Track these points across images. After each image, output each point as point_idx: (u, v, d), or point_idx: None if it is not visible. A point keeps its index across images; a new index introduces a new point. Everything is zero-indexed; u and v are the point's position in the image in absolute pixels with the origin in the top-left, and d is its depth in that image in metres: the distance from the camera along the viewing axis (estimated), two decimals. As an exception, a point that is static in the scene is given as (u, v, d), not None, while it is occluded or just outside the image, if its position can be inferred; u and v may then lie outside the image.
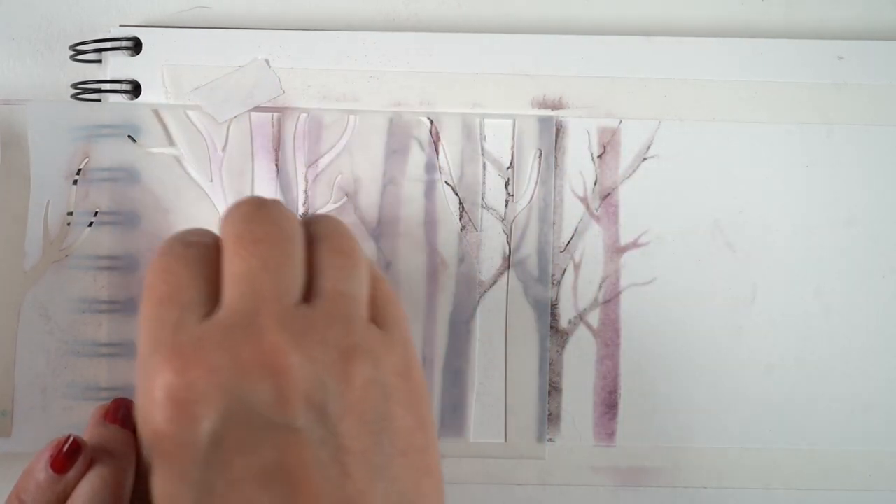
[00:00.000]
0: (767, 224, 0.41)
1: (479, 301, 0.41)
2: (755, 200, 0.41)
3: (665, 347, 0.41)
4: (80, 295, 0.40)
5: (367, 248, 0.41)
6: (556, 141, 0.41)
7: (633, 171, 0.41)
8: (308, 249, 0.28)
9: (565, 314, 0.41)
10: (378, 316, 0.28)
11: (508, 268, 0.41)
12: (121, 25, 0.41)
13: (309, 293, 0.27)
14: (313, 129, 0.41)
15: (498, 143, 0.41)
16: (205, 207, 0.41)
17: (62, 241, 0.40)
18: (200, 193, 0.41)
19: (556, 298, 0.41)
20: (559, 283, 0.41)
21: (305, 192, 0.41)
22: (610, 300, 0.41)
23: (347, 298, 0.27)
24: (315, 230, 0.28)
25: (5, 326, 0.40)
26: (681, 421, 0.40)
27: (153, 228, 0.40)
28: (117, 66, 0.41)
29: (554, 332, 0.41)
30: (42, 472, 0.35)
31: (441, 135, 0.41)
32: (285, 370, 0.25)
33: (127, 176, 0.40)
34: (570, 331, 0.41)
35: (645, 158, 0.41)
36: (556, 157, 0.41)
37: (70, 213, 0.40)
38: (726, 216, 0.41)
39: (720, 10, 0.42)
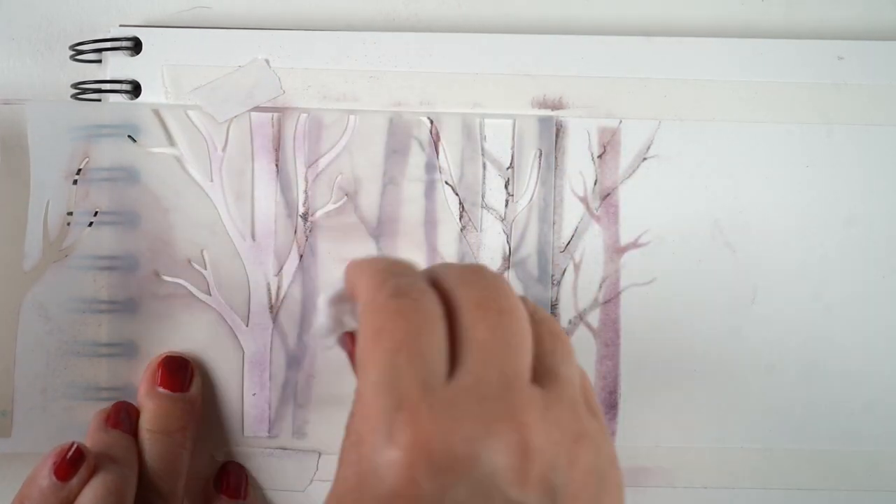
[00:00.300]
0: (767, 224, 0.41)
1: (479, 301, 0.41)
2: (755, 200, 0.41)
3: (665, 347, 0.41)
4: (79, 295, 0.40)
5: (367, 248, 0.41)
6: (556, 141, 0.41)
7: (633, 171, 0.41)
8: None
9: (565, 314, 0.41)
10: (586, 403, 0.28)
11: (508, 268, 0.41)
12: (121, 25, 0.41)
13: (535, 375, 0.26)
14: (313, 129, 0.41)
15: (498, 143, 0.41)
16: (205, 207, 0.40)
17: (62, 241, 0.40)
18: (200, 193, 0.41)
19: (556, 298, 0.41)
20: (559, 283, 0.41)
21: (305, 191, 0.41)
22: (610, 300, 0.41)
23: (570, 383, 0.27)
24: (530, 310, 0.28)
25: (5, 326, 0.40)
26: (681, 421, 0.40)
27: (153, 228, 0.40)
28: (117, 66, 0.41)
29: (554, 332, 0.41)
30: (45, 479, 0.35)
31: (441, 135, 0.41)
32: (531, 448, 0.24)
33: (127, 176, 0.40)
34: (570, 331, 0.41)
35: (645, 158, 0.41)
36: (556, 157, 0.41)
37: (70, 213, 0.40)
38: (726, 216, 0.41)
39: (720, 10, 0.42)
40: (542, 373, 0.27)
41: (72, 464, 0.35)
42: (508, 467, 0.24)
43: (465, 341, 0.26)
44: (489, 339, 0.26)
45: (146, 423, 0.38)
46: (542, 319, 0.28)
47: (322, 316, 0.29)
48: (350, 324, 0.29)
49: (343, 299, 0.29)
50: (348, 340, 0.29)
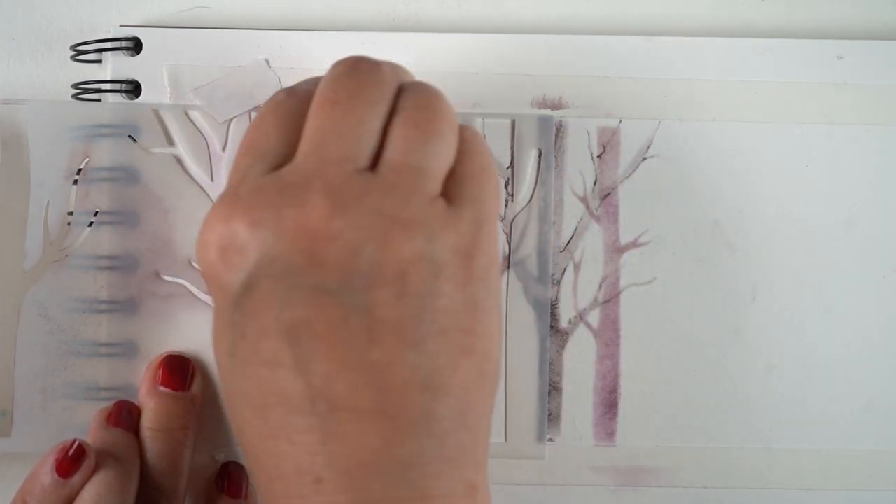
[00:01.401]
0: (767, 224, 0.41)
1: (479, 301, 0.41)
2: (755, 200, 0.41)
3: (665, 347, 0.41)
4: (80, 295, 0.40)
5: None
6: (555, 141, 0.41)
7: (633, 170, 0.41)
8: (390, 119, 0.27)
9: (565, 314, 0.41)
10: (454, 192, 0.27)
11: (508, 268, 0.41)
12: (121, 25, 0.41)
13: (375, 162, 0.27)
14: (313, 129, 0.41)
15: (497, 143, 0.41)
16: (205, 207, 0.40)
17: (62, 240, 0.40)
18: (201, 193, 0.41)
19: (556, 298, 0.41)
20: (559, 283, 0.41)
21: (305, 192, 0.41)
22: (610, 300, 0.41)
23: (413, 171, 0.26)
24: (401, 100, 0.28)
25: (5, 326, 0.40)
26: (681, 421, 0.40)
27: (153, 228, 0.40)
28: (117, 66, 0.41)
29: (554, 332, 0.41)
30: (47, 476, 0.35)
31: (441, 135, 0.41)
32: (323, 234, 0.25)
33: (127, 176, 0.40)
34: (570, 331, 0.41)
35: (645, 158, 0.41)
36: (555, 157, 0.41)
37: (70, 213, 0.40)
38: (726, 216, 0.41)
39: (720, 10, 0.42)
40: (384, 161, 0.27)
41: (73, 461, 0.35)
42: (298, 250, 0.25)
43: (303, 133, 0.27)
44: (317, 129, 0.27)
45: (147, 421, 0.38)
46: (409, 107, 0.28)
47: None
48: None
49: None
50: None
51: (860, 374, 0.41)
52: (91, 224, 0.40)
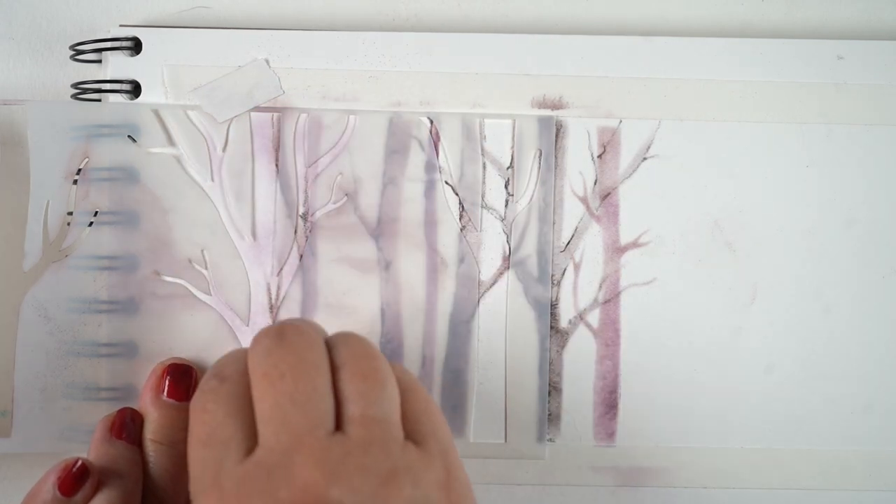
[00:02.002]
0: (767, 224, 0.41)
1: (479, 301, 0.41)
2: (755, 200, 0.41)
3: (665, 347, 0.41)
4: (79, 295, 0.40)
5: (368, 248, 0.41)
6: (556, 141, 0.41)
7: (633, 171, 0.41)
8: (334, 375, 0.28)
9: (565, 314, 0.41)
10: (413, 431, 0.28)
11: (508, 268, 0.41)
12: (121, 25, 0.41)
13: (339, 421, 0.27)
14: (313, 129, 0.41)
15: (498, 143, 0.41)
16: (205, 207, 0.40)
17: (62, 240, 0.40)
18: (200, 193, 0.41)
19: (556, 298, 0.41)
20: (559, 283, 0.41)
21: (305, 191, 0.41)
22: (610, 300, 0.41)
23: (378, 422, 0.27)
24: (336, 355, 0.28)
25: (5, 326, 0.40)
26: (681, 421, 0.40)
27: (153, 228, 0.40)
28: (117, 66, 0.41)
29: (554, 332, 0.41)
30: (49, 493, 0.35)
31: (441, 135, 0.41)
32: (326, 502, 0.25)
33: (127, 176, 0.40)
34: (570, 331, 0.41)
35: (645, 158, 0.41)
36: (556, 157, 0.41)
37: (70, 213, 0.40)
38: (726, 216, 0.41)
39: (720, 10, 0.42)
40: (346, 419, 0.27)
41: (76, 479, 0.35)
42: None
43: (257, 417, 0.27)
44: (273, 406, 0.26)
45: (151, 433, 0.37)
46: (348, 361, 0.28)
47: None
48: None
49: None
50: None
51: (860, 374, 0.41)
52: (91, 224, 0.40)
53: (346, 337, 0.29)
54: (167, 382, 0.39)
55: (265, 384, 0.27)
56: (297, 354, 0.27)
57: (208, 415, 0.28)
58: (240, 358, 0.29)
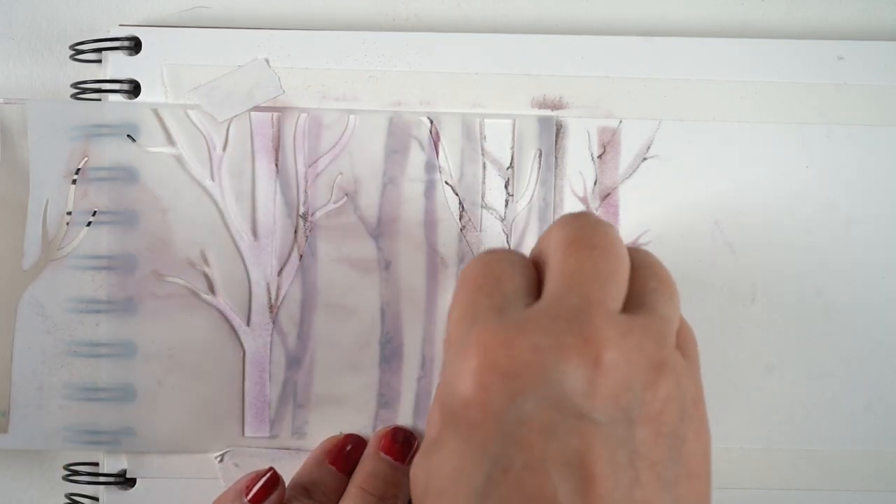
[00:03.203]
0: (767, 224, 0.41)
1: (478, 301, 0.41)
2: (755, 200, 0.41)
3: (665, 348, 0.40)
4: (77, 294, 0.40)
5: (368, 248, 0.41)
6: (556, 141, 0.41)
7: (633, 171, 0.41)
8: (631, 272, 0.28)
9: (565, 314, 0.41)
10: (680, 347, 0.28)
11: (508, 268, 0.41)
12: (120, 25, 0.41)
13: (626, 308, 0.27)
14: (313, 129, 0.41)
15: (498, 143, 0.41)
16: (205, 207, 0.40)
17: (61, 240, 0.40)
18: (200, 193, 0.40)
19: (556, 298, 0.41)
20: (559, 283, 0.41)
21: (305, 191, 0.41)
22: (610, 300, 0.41)
23: (664, 320, 0.27)
24: (638, 258, 0.29)
25: (3, 325, 0.40)
26: (681, 421, 0.40)
27: (152, 228, 0.40)
28: (117, 65, 0.41)
29: (554, 332, 0.41)
30: (237, 500, 0.35)
31: (441, 135, 0.41)
32: (603, 363, 0.25)
33: (126, 175, 0.40)
34: (569, 331, 0.41)
35: (645, 158, 0.41)
36: (556, 157, 0.41)
37: (69, 213, 0.40)
38: (726, 216, 0.41)
39: (720, 10, 0.42)
40: (636, 305, 0.27)
41: (265, 487, 0.35)
42: (578, 377, 0.25)
43: (553, 274, 0.27)
44: (576, 269, 0.27)
45: (360, 480, 0.38)
46: (651, 264, 0.29)
47: None
48: None
49: None
50: None
51: (860, 374, 0.40)
52: (90, 224, 0.40)
53: (647, 252, 0.30)
54: (385, 439, 0.39)
55: (574, 248, 0.27)
56: (611, 238, 0.28)
57: (492, 268, 0.28)
58: (507, 248, 0.31)
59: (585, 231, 0.28)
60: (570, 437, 0.25)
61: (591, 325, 0.25)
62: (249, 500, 0.35)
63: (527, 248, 0.41)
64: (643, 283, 0.28)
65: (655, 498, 0.25)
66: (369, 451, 0.39)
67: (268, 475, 0.36)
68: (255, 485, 0.36)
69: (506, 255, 0.29)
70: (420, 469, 0.27)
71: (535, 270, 0.29)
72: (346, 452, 0.39)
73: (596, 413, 0.25)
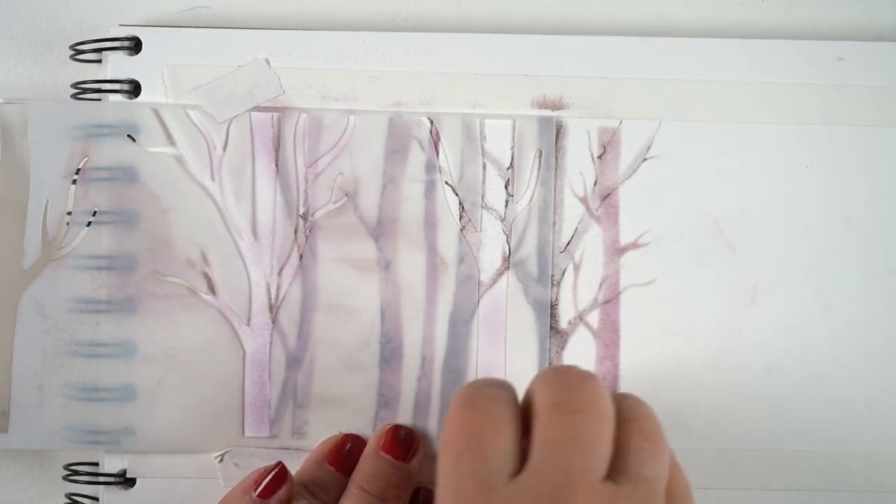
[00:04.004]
0: (767, 224, 0.41)
1: (479, 301, 0.41)
2: (755, 200, 0.41)
3: (665, 348, 0.40)
4: (77, 294, 0.40)
5: (368, 248, 0.41)
6: (556, 141, 0.41)
7: (633, 171, 0.41)
8: (616, 428, 0.28)
9: (565, 314, 0.41)
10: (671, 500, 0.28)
11: (508, 268, 0.41)
12: (121, 25, 0.41)
13: (611, 471, 0.27)
14: (313, 129, 0.41)
15: (498, 144, 0.41)
16: (205, 207, 0.40)
17: (61, 240, 0.40)
18: (200, 193, 0.40)
19: (556, 299, 0.41)
20: (559, 283, 0.41)
21: (305, 191, 0.41)
22: (610, 300, 0.41)
23: (650, 483, 0.27)
24: (625, 410, 0.28)
25: (3, 324, 0.40)
26: (681, 421, 0.40)
27: (152, 228, 0.40)
28: (117, 65, 0.41)
29: (554, 333, 0.41)
30: (246, 495, 0.36)
31: (441, 135, 0.41)
32: None
33: (126, 175, 0.40)
34: (569, 331, 0.41)
35: (645, 158, 0.41)
36: (556, 158, 0.41)
37: (69, 213, 0.40)
38: (726, 216, 0.41)
39: (720, 10, 0.42)
40: (621, 471, 0.27)
41: (274, 481, 0.36)
42: None
43: (535, 442, 0.27)
44: (558, 438, 0.27)
45: (361, 481, 0.38)
46: (637, 418, 0.28)
47: None
48: None
49: None
50: None
51: (860, 374, 0.40)
52: (90, 223, 0.40)
53: (633, 397, 0.29)
54: (385, 438, 0.39)
55: (555, 414, 0.27)
56: (593, 398, 0.27)
57: (473, 428, 0.27)
58: (503, 383, 0.29)
59: (567, 392, 0.27)
60: None
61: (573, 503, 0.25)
62: (258, 495, 0.35)
63: (527, 246, 0.41)
64: (629, 442, 0.28)
65: None
66: (369, 449, 0.39)
67: (276, 470, 0.36)
68: (263, 480, 0.36)
69: (490, 407, 0.28)
70: None
71: (523, 417, 0.28)
72: (344, 453, 0.39)
73: None
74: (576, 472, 0.26)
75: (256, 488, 0.35)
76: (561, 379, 0.28)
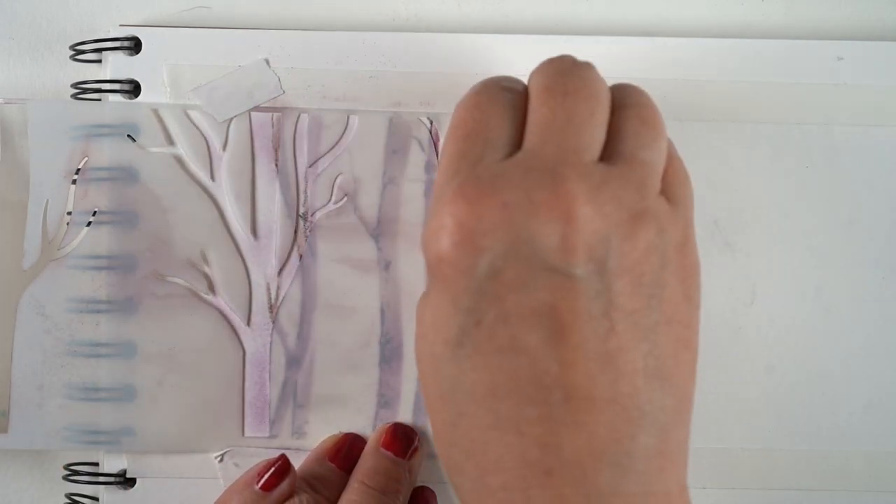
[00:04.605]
0: (767, 224, 0.41)
1: (478, 301, 0.41)
2: (755, 200, 0.41)
3: (665, 348, 0.40)
4: (77, 294, 0.40)
5: (368, 248, 0.41)
6: (555, 141, 0.41)
7: (633, 171, 0.41)
8: (612, 114, 0.28)
9: (565, 314, 0.41)
10: (667, 191, 0.28)
11: (508, 268, 0.41)
12: (121, 25, 0.41)
13: (605, 155, 0.27)
14: (313, 129, 0.41)
15: (498, 143, 0.41)
16: (205, 207, 0.40)
17: (61, 240, 0.40)
18: (200, 193, 0.40)
19: (556, 298, 0.41)
20: (559, 283, 0.41)
21: (305, 192, 0.41)
22: (610, 300, 0.41)
23: (645, 165, 0.27)
24: (622, 97, 0.28)
25: (3, 325, 0.40)
26: (681, 421, 0.40)
27: (152, 228, 0.40)
28: (117, 65, 0.41)
29: (554, 333, 0.41)
30: (249, 487, 0.36)
31: (441, 135, 0.41)
32: (575, 218, 0.25)
33: (126, 175, 0.40)
34: (569, 331, 0.41)
35: (645, 158, 0.41)
36: (555, 157, 0.41)
37: (69, 213, 0.40)
38: (726, 216, 0.41)
39: (720, 10, 0.42)
40: (615, 153, 0.27)
41: (276, 474, 0.36)
42: (549, 233, 0.25)
43: (528, 124, 0.27)
44: (549, 118, 0.27)
45: (362, 476, 0.38)
46: (634, 104, 0.28)
47: None
48: None
49: None
50: None
51: (860, 374, 0.40)
52: (90, 224, 0.40)
53: (632, 86, 0.29)
54: (385, 435, 0.39)
55: (546, 96, 0.27)
56: (585, 81, 0.27)
57: (482, 113, 0.28)
58: (517, 80, 0.29)
59: (560, 77, 0.27)
60: (542, 290, 0.25)
61: (564, 179, 0.25)
62: (261, 488, 0.35)
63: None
64: (624, 126, 0.27)
65: (631, 346, 0.26)
66: (370, 447, 0.39)
67: (279, 463, 0.36)
68: (266, 472, 0.36)
69: (499, 95, 0.28)
70: (418, 308, 0.28)
71: (525, 112, 0.28)
72: (345, 451, 0.39)
73: (569, 267, 0.25)
74: (567, 151, 0.26)
75: (259, 481, 0.35)
76: (554, 65, 0.28)
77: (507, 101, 0.28)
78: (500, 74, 0.30)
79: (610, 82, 0.40)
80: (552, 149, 0.26)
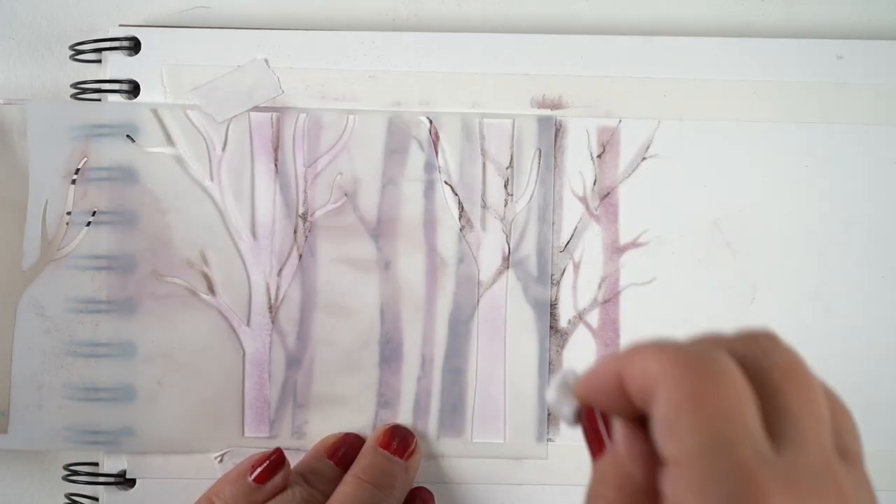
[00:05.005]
0: (767, 224, 0.41)
1: (478, 301, 0.41)
2: (755, 200, 0.41)
3: (665, 347, 0.40)
4: (77, 294, 0.40)
5: (367, 248, 0.41)
6: (555, 140, 0.41)
7: (633, 170, 0.41)
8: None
9: (565, 314, 0.41)
10: (840, 447, 0.26)
11: (508, 267, 0.41)
12: (120, 25, 0.41)
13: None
14: (312, 129, 0.41)
15: (497, 143, 0.41)
16: (204, 207, 0.40)
17: (60, 240, 0.40)
18: (200, 193, 0.40)
19: (556, 298, 0.41)
20: (559, 282, 0.41)
21: (305, 191, 0.41)
22: (609, 300, 0.41)
23: (858, 456, 0.27)
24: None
25: (2, 325, 0.40)
26: (681, 421, 0.40)
27: (152, 228, 0.40)
28: (117, 65, 0.41)
29: (554, 332, 0.41)
30: (241, 478, 0.36)
31: (440, 135, 0.41)
32: None
33: (126, 175, 0.40)
34: (569, 331, 0.41)
35: (644, 158, 0.41)
36: (555, 157, 0.41)
37: (69, 213, 0.40)
38: (726, 216, 0.41)
39: (720, 10, 0.42)
40: (837, 447, 0.26)
41: (271, 466, 0.36)
42: None
43: (779, 412, 0.25)
44: (804, 412, 0.25)
45: (358, 471, 0.38)
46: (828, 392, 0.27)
47: (552, 393, 0.28)
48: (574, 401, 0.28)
49: (569, 387, 0.28)
50: (586, 417, 0.28)
51: (860, 374, 0.40)
52: (89, 224, 0.40)
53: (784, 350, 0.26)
54: (384, 435, 0.39)
55: (790, 384, 0.25)
56: (808, 369, 0.26)
57: (730, 390, 0.24)
58: (717, 350, 0.25)
59: (794, 362, 0.25)
60: None
61: (840, 485, 0.25)
62: (254, 480, 0.35)
63: (527, 245, 0.41)
64: (839, 421, 0.26)
65: None
66: (367, 446, 0.39)
67: (274, 456, 0.36)
68: (260, 465, 0.36)
69: (734, 373, 0.24)
70: None
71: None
72: (344, 448, 0.39)
73: None
74: (827, 450, 0.25)
75: (252, 473, 0.36)
76: (776, 345, 0.25)
77: (742, 377, 0.25)
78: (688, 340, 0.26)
79: (610, 82, 0.41)
80: (815, 449, 0.25)
